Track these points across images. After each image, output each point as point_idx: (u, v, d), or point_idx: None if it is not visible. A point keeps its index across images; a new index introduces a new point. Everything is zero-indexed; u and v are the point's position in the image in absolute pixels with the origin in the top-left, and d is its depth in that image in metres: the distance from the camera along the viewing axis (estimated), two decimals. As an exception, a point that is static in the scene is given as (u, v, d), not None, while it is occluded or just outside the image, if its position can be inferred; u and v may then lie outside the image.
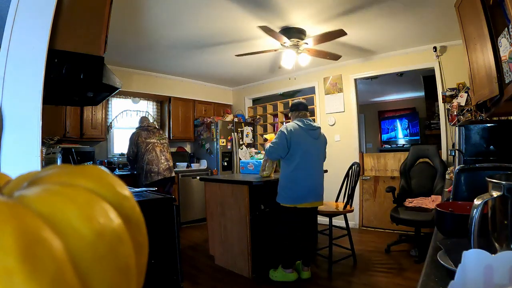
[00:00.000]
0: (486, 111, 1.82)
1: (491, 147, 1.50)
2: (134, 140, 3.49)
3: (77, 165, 0.20)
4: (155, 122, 4.86)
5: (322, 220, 3.77)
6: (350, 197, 2.84)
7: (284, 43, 3.07)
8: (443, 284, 0.53)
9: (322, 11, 2.74)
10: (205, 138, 4.97)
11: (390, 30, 3.21)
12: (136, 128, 3.61)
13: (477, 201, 0.54)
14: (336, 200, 3.13)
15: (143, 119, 3.70)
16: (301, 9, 2.68)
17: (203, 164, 4.99)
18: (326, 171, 3.53)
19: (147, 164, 3.41)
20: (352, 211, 2.86)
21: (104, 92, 1.80)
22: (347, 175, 2.98)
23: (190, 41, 3.36)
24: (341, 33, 2.83)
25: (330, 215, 2.80)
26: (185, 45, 3.50)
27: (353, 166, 2.93)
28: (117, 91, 1.81)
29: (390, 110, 7.31)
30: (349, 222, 4.14)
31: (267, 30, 2.78)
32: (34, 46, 0.99)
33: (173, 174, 3.62)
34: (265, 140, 3.53)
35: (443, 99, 3.60)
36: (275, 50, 3.30)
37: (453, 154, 2.14)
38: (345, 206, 2.79)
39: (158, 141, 3.55)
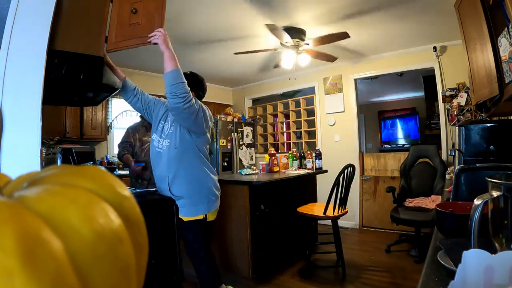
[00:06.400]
0: (486, 111, 1.82)
1: (491, 147, 1.50)
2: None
3: (77, 165, 0.20)
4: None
5: (321, 222, 3.77)
6: (343, 201, 2.66)
7: (286, 42, 3.07)
8: (443, 284, 0.53)
9: (326, 14, 2.78)
10: (205, 138, 4.96)
11: (390, 30, 3.21)
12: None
13: (477, 201, 0.54)
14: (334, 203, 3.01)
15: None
16: (306, 10, 2.71)
17: (203, 164, 4.98)
18: (326, 171, 3.54)
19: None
20: (345, 213, 2.70)
21: (104, 92, 1.80)
22: (337, 182, 2.57)
23: (191, 36, 3.24)
24: (344, 35, 2.85)
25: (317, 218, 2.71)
26: (185, 41, 3.40)
27: (346, 170, 2.63)
28: (117, 91, 1.82)
29: (390, 110, 7.31)
30: (349, 222, 4.16)
31: (273, 28, 2.76)
32: (34, 46, 0.99)
33: None
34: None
35: (443, 99, 3.60)
36: (275, 50, 3.29)
37: (453, 154, 2.14)
38: (337, 211, 2.60)
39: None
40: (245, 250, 2.61)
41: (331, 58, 3.49)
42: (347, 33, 2.83)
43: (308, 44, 3.13)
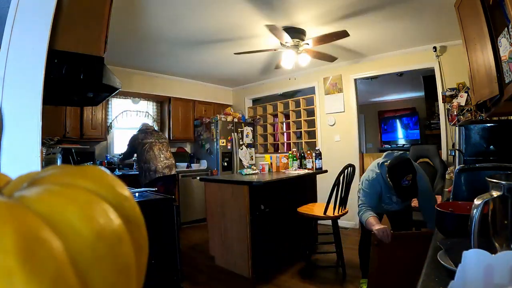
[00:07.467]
0: (486, 111, 1.82)
1: (491, 147, 1.50)
2: (130, 143, 3.57)
3: (77, 165, 0.20)
4: (154, 123, 4.87)
5: (321, 222, 3.76)
6: (343, 201, 2.66)
7: (286, 42, 3.07)
8: (443, 284, 0.53)
9: (326, 14, 2.80)
10: (205, 139, 4.97)
11: (390, 30, 3.21)
12: (137, 132, 3.66)
13: (477, 201, 0.54)
14: (335, 204, 3.01)
15: (143, 124, 3.77)
16: (306, 10, 2.72)
17: (203, 164, 4.99)
18: (326, 171, 3.54)
19: (144, 163, 3.44)
20: (345, 213, 2.70)
21: (104, 92, 1.80)
22: (337, 182, 2.58)
23: (192, 37, 3.27)
24: (344, 34, 2.86)
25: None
26: (186, 42, 3.42)
27: (346, 170, 2.64)
28: (117, 91, 1.82)
29: (390, 110, 7.31)
30: (349, 222, 4.16)
31: (273, 29, 2.77)
32: (34, 46, 0.99)
33: (174, 172, 3.61)
34: None
35: (443, 99, 3.60)
36: (275, 50, 3.30)
37: (453, 154, 2.14)
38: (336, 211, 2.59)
39: (156, 140, 3.57)
40: (245, 250, 2.61)
41: (331, 58, 3.50)
42: (346, 32, 2.83)
43: (308, 44, 3.13)
